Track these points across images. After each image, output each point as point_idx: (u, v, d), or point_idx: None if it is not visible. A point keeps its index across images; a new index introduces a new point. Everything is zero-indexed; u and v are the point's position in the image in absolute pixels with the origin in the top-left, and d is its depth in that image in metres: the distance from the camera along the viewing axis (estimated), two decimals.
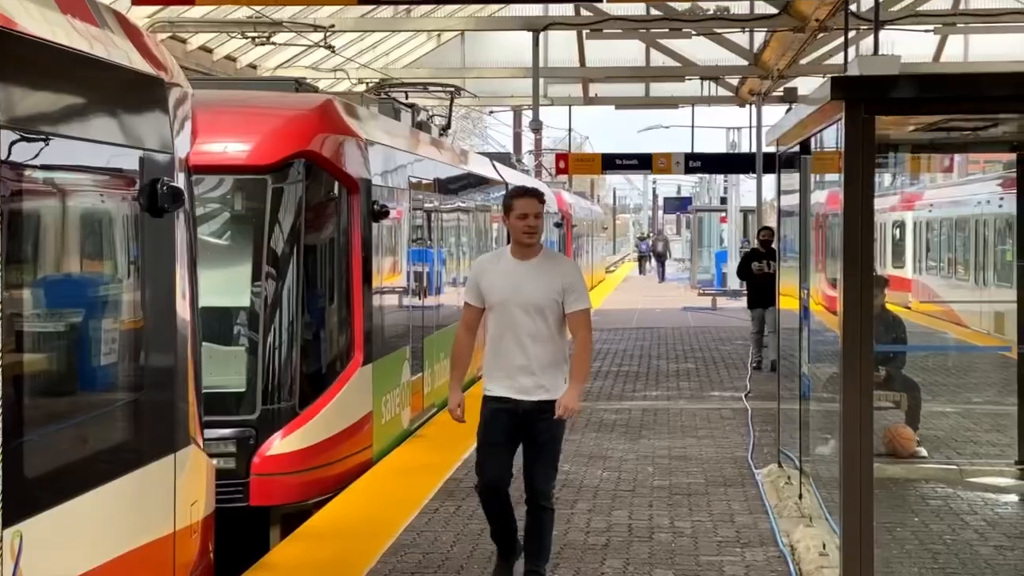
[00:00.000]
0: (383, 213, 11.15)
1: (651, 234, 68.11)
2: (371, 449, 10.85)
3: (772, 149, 12.10)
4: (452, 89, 17.85)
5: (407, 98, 16.34)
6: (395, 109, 14.65)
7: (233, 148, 9.80)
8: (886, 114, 6.84)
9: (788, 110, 10.13)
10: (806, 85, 25.64)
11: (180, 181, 5.88)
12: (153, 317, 5.64)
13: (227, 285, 9.57)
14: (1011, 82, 6.92)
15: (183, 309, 6.01)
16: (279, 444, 9.35)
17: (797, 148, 9.42)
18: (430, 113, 17.81)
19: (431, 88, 19.19)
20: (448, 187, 15.56)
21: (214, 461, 8.78)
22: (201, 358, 6.46)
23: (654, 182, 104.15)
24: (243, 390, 9.42)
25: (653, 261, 57.86)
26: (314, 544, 8.44)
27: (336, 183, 10.39)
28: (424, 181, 13.81)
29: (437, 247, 14.65)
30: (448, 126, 18.00)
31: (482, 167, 19.46)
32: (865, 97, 6.63)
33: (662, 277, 53.82)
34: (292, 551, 8.27)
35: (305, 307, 9.81)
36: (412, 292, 13.03)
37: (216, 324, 9.46)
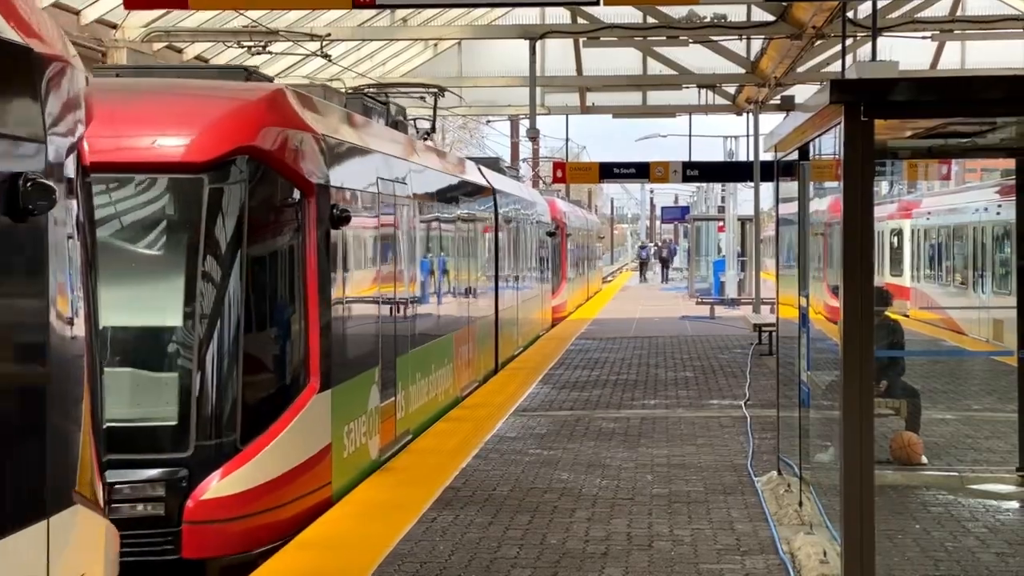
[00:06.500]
0: (344, 218, 9.96)
1: (656, 242, 77.05)
2: (330, 487, 9.69)
3: (770, 156, 12.05)
4: (435, 90, 16.92)
5: (387, 98, 15.12)
6: (365, 106, 13.23)
7: (164, 142, 8.66)
8: (885, 117, 6.79)
9: (786, 118, 10.09)
10: (803, 93, 25.61)
11: (57, 176, 4.64)
12: (11, 343, 4.37)
13: (156, 301, 8.51)
14: (1008, 85, 6.87)
15: (63, 331, 4.72)
16: (217, 485, 8.19)
17: (796, 155, 9.38)
18: (413, 117, 17.11)
19: (413, 89, 18.24)
20: (426, 191, 14.26)
21: (139, 507, 7.93)
22: (99, 391, 5.16)
23: (651, 191, 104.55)
24: (174, 423, 8.23)
25: (658, 266, 65.18)
26: (311, 554, 8.36)
27: (287, 184, 9.23)
28: (397, 183, 12.54)
29: (412, 256, 13.24)
30: (433, 128, 17.14)
31: (466, 171, 18.40)
32: (865, 100, 6.57)
33: (665, 279, 60.47)
34: (288, 562, 8.19)
35: (248, 326, 8.63)
36: (382, 307, 11.72)
37: (143, 346, 8.48)
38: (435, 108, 16.89)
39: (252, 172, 8.79)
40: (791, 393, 9.98)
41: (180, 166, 8.56)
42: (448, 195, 15.89)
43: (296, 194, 9.32)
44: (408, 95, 18.02)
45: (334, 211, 9.84)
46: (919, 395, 11.65)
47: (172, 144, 8.64)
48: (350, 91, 14.05)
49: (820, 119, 7.54)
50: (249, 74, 10.66)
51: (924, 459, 11.05)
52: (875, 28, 15.11)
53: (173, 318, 8.41)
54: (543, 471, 11.22)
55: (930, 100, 6.75)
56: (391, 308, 12.04)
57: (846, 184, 6.70)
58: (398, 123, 14.49)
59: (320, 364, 9.41)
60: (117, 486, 7.83)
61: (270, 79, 11.32)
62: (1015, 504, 9.59)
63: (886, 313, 11.81)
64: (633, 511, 9.58)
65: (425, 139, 16.50)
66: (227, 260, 8.55)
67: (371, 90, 15.09)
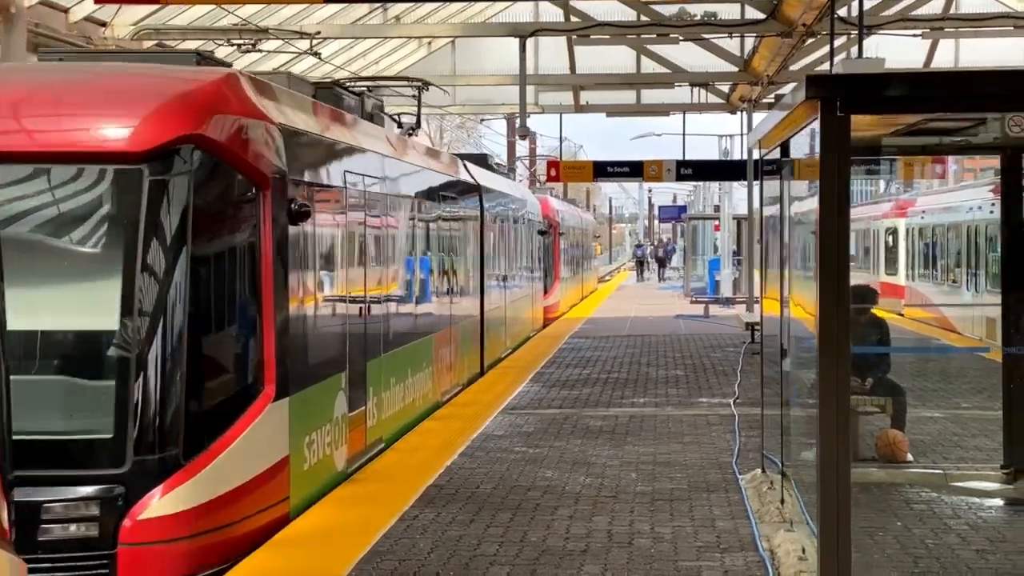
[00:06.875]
0: (304, 214, 9.32)
1: (655, 241, 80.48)
2: (287, 502, 9.10)
3: (756, 153, 12.02)
4: (419, 84, 16.45)
5: (363, 90, 14.39)
6: (336, 97, 12.55)
7: (101, 129, 8.05)
8: (861, 113, 6.77)
9: (767, 115, 10.06)
10: None
11: None
12: None
13: (90, 303, 7.95)
14: (989, 81, 6.86)
15: None
16: (158, 504, 7.61)
17: (778, 152, 9.36)
18: (398, 113, 16.67)
19: (394, 83, 17.80)
20: (402, 186, 13.57)
21: (70, 527, 7.44)
22: (4, 402, 4.69)
23: (649, 191, 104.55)
24: (109, 436, 7.65)
25: (654, 264, 67.78)
26: (289, 552, 8.33)
27: (239, 176, 8.57)
28: (369, 178, 11.85)
29: (386, 255, 12.56)
30: (418, 124, 16.56)
31: (449, 167, 17.70)
32: (840, 96, 6.55)
33: (662, 278, 62.28)
34: (266, 560, 8.17)
35: (193, 331, 8.00)
36: (350, 309, 11.03)
37: (76, 353, 7.93)
38: (419, 103, 16.51)
39: (198, 162, 8.18)
40: (779, 390, 9.96)
41: (118, 155, 7.97)
42: (428, 191, 15.25)
43: (249, 187, 8.70)
44: (395, 91, 17.68)
45: (293, 206, 9.23)
46: (904, 393, 11.62)
47: (109, 131, 8.04)
48: (319, 82, 13.31)
49: (799, 115, 7.53)
50: (201, 58, 9.95)
51: (909, 457, 11.03)
52: (861, 25, 15.11)
53: (109, 321, 7.78)
54: (528, 469, 11.20)
55: (906, 95, 6.72)
56: (361, 310, 11.39)
57: (823, 181, 6.69)
58: (374, 116, 13.92)
59: (276, 370, 8.79)
60: (47, 505, 7.41)
61: (227, 64, 10.55)
62: (998, 501, 9.57)
63: (872, 311, 11.79)
64: (615, 509, 9.56)
65: (410, 135, 16.16)
66: (170, 258, 7.96)
67: (356, 84, 14.63)
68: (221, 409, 8.26)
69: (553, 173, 31.06)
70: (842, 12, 19.04)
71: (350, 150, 11.49)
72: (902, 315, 29.48)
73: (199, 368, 8.06)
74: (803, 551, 7.76)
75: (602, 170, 31.34)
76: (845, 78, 7.13)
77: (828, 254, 6.70)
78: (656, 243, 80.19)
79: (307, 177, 9.90)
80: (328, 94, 12.30)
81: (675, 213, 70.44)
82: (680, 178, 31.08)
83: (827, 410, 6.67)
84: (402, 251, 13.53)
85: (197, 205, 8.11)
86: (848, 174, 6.72)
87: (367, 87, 14.88)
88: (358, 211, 11.42)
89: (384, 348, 12.24)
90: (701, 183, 63.01)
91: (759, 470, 10.53)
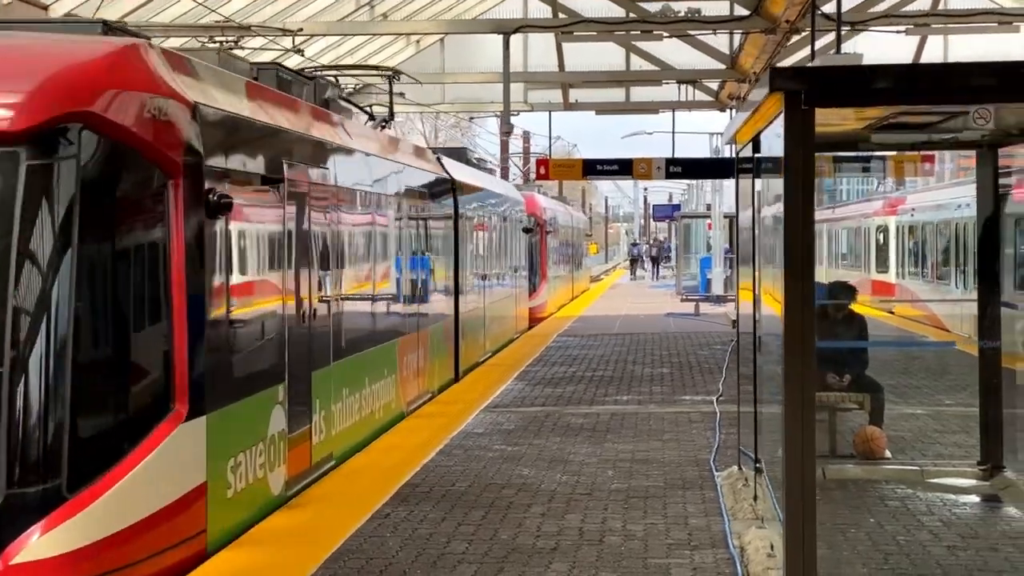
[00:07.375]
0: (224, 206, 8.27)
1: (651, 240, 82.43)
2: (204, 536, 8.05)
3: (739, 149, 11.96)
4: (388, 73, 15.95)
5: (336, 82, 13.75)
6: (281, 79, 11.39)
7: None
8: (826, 106, 6.72)
9: (738, 111, 10.03)
10: None
11: None
12: None
13: None
14: (951, 74, 6.82)
15: None
16: (37, 544, 6.58)
17: (751, 148, 9.32)
18: (370, 104, 16.31)
19: (363, 72, 17.43)
20: (357, 179, 12.44)
21: None
22: None
23: (645, 189, 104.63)
24: None
25: (648, 264, 69.04)
26: (259, 550, 8.28)
27: (141, 161, 7.54)
28: (314, 168, 10.80)
29: (336, 253, 11.50)
30: (391, 115, 16.00)
31: (419, 160, 16.57)
32: (804, 88, 6.51)
33: (656, 276, 63.77)
34: (234, 558, 8.11)
35: (82, 340, 6.99)
36: (289, 314, 9.93)
37: None
38: (391, 94, 16.21)
39: (89, 145, 7.12)
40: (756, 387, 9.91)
41: None
42: (390, 185, 14.03)
43: (154, 174, 7.65)
44: (379, 88, 17.49)
45: (211, 197, 8.18)
46: (883, 390, 11.59)
47: None
48: (260, 63, 12.43)
49: (766, 110, 7.48)
50: (108, 28, 8.69)
51: (887, 453, 11.00)
52: (839, 21, 15.10)
53: None
54: (504, 467, 11.15)
55: (870, 88, 6.67)
56: (304, 315, 10.32)
57: (787, 176, 6.65)
58: (330, 103, 12.84)
59: (190, 386, 7.77)
60: None
61: (139, 36, 9.10)
62: (973, 498, 9.54)
63: (850, 307, 11.76)
64: (589, 506, 9.52)
65: (383, 127, 15.85)
66: (52, 255, 6.92)
67: (317, 71, 14.16)
68: (117, 432, 7.21)
69: (542, 171, 31.01)
70: (829, 8, 18.99)
71: (292, 137, 10.40)
72: (892, 312, 29.45)
73: (88, 385, 7.00)
74: (772, 547, 7.72)
75: (591, 168, 31.25)
76: (809, 70, 7.07)
77: (793, 250, 6.66)
78: (652, 242, 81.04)
79: (232, 164, 8.84)
80: (270, 76, 11.30)
81: (669, 212, 70.56)
82: (669, 176, 30.98)
83: (792, 406, 6.63)
84: (357, 249, 12.45)
85: (86, 193, 7.08)
86: (812, 167, 6.68)
87: (333, 75, 14.50)
88: (300, 205, 10.37)
89: (334, 356, 11.28)
90: (695, 181, 62.98)
91: (736, 467, 10.49)
